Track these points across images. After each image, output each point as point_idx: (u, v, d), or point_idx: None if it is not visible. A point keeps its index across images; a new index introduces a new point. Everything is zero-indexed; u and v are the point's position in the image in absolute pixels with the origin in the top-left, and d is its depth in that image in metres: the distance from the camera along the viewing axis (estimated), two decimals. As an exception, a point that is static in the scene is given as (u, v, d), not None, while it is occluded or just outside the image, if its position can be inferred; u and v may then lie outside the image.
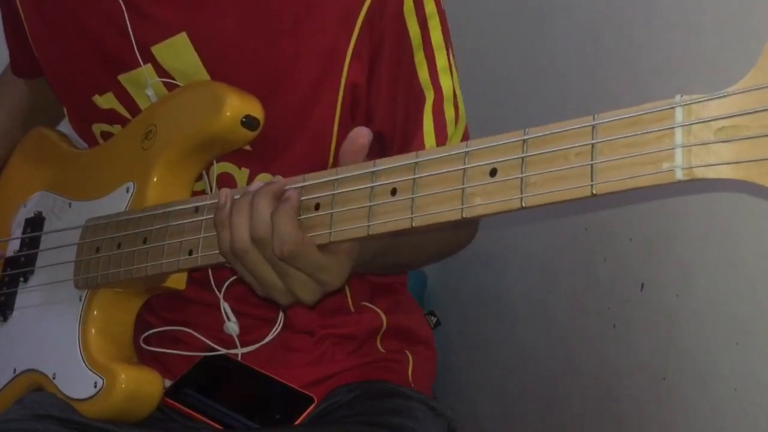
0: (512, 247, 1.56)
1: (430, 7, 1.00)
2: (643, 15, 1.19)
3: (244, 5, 0.98)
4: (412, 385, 1.16)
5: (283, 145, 1.01)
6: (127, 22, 1.00)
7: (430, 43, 1.00)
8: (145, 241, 0.97)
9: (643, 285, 1.19)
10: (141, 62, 1.01)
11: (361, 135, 0.82)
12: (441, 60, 1.01)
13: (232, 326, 1.07)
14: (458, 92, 1.04)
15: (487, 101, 1.58)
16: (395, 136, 1.01)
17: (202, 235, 0.91)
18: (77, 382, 1.02)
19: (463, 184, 0.72)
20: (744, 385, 1.02)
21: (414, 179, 0.75)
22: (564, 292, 1.39)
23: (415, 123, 1.01)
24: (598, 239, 1.30)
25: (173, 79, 1.02)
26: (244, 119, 0.96)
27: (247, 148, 1.01)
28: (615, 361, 1.26)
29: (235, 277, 1.07)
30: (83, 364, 1.01)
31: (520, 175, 0.69)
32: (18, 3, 1.12)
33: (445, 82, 1.01)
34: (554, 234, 1.41)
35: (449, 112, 1.02)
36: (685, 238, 1.12)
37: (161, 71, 1.02)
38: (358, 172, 0.79)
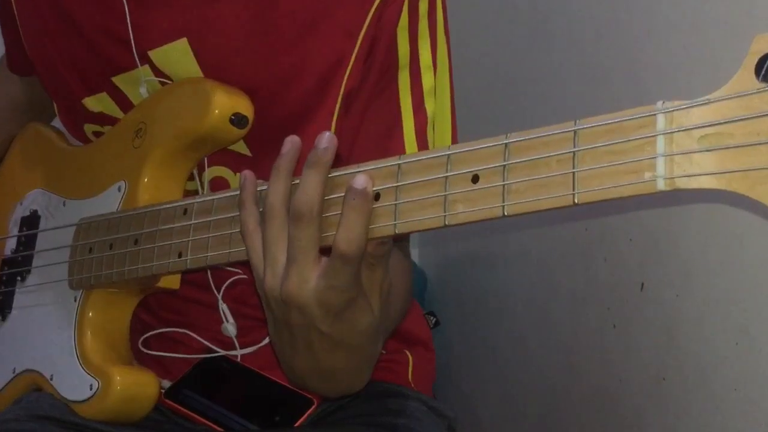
0: (512, 247, 1.56)
1: (423, 26, 0.99)
2: (643, 15, 1.19)
3: (249, 16, 0.97)
4: (412, 385, 1.16)
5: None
6: (129, 25, 1.00)
7: (418, 63, 0.99)
8: (136, 243, 0.96)
9: (643, 285, 1.19)
10: (138, 64, 1.01)
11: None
12: (427, 81, 1.00)
13: (230, 328, 1.07)
14: (441, 114, 1.02)
15: (485, 102, 1.58)
16: (351, 154, 0.98)
17: (191, 238, 0.90)
18: (74, 384, 1.02)
19: (446, 191, 0.71)
20: (744, 385, 1.02)
21: (397, 186, 0.74)
22: (564, 292, 1.39)
23: (381, 148, 0.98)
24: (598, 239, 1.29)
25: (170, 79, 1.02)
26: (232, 117, 0.96)
27: (246, 153, 1.01)
28: (615, 361, 1.26)
29: (234, 278, 1.07)
30: (79, 366, 1.01)
31: (502, 183, 0.68)
32: (13, 1, 1.12)
33: (430, 105, 1.00)
34: (554, 234, 1.41)
35: (431, 135, 1.01)
36: (685, 238, 1.11)
37: (158, 72, 1.02)
38: (345, 172, 0.78)
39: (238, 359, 1.09)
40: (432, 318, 1.64)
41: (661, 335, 1.16)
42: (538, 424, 1.49)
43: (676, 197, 1.09)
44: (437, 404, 1.16)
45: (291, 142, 0.79)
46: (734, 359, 1.03)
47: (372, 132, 0.98)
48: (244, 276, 1.07)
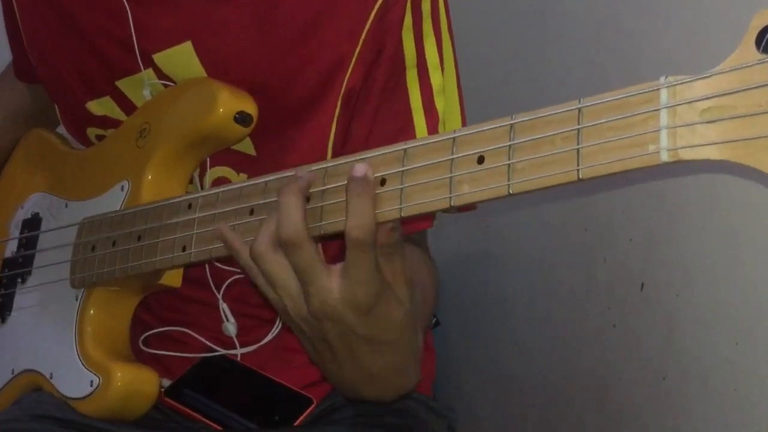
0: (512, 247, 1.55)
1: (427, 25, 0.99)
2: (643, 12, 1.19)
3: (252, 17, 0.98)
4: (412, 385, 1.16)
5: (282, 151, 1.00)
6: (132, 29, 1.00)
7: (425, 62, 1.00)
8: (139, 239, 0.97)
9: (643, 285, 1.19)
10: (142, 67, 1.02)
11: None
12: (436, 80, 1.00)
13: (230, 327, 1.07)
14: (450, 113, 1.03)
15: (485, 100, 1.57)
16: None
17: (195, 231, 0.91)
18: (74, 381, 1.02)
19: (451, 173, 0.72)
20: (744, 385, 1.02)
21: (402, 170, 0.74)
22: (564, 292, 1.39)
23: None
24: (598, 239, 1.29)
25: (173, 82, 1.02)
26: (237, 115, 0.96)
27: (250, 152, 1.01)
28: (615, 361, 1.26)
29: (234, 278, 1.07)
30: (80, 363, 1.02)
31: (507, 162, 0.69)
32: (15, 7, 1.12)
33: (440, 103, 1.01)
34: (554, 234, 1.41)
35: None
36: (685, 238, 1.11)
37: (162, 75, 1.02)
38: (347, 161, 0.79)
39: (238, 358, 1.09)
40: (432, 318, 1.64)
41: (661, 335, 1.16)
42: (538, 424, 1.49)
43: (680, 174, 1.08)
44: (437, 404, 1.16)
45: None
46: (734, 359, 1.03)
47: (383, 133, 0.99)
48: (245, 275, 1.07)
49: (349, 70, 0.97)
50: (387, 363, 0.83)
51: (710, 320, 1.07)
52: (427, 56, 1.00)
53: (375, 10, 0.96)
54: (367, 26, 0.96)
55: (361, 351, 0.80)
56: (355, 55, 0.96)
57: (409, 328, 0.82)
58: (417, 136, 0.99)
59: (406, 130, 0.99)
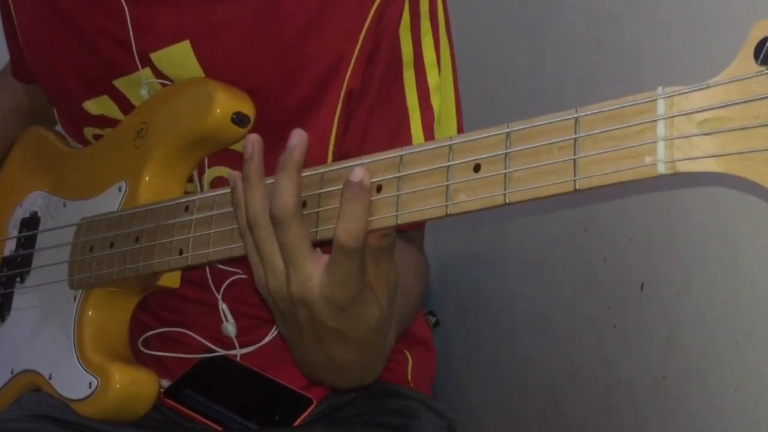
0: (512, 247, 1.55)
1: (425, 25, 0.99)
2: (643, 17, 1.19)
3: (251, 17, 0.98)
4: (412, 385, 1.16)
5: (281, 152, 1.00)
6: (130, 28, 1.00)
7: (422, 61, 1.00)
8: (137, 241, 0.96)
9: (643, 285, 1.19)
10: (139, 66, 1.02)
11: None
12: (433, 79, 1.00)
13: (230, 327, 1.07)
14: (445, 111, 1.02)
15: (485, 103, 1.58)
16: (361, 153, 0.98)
17: (192, 235, 0.90)
18: (73, 382, 1.02)
19: (447, 180, 0.71)
20: (744, 385, 1.02)
21: (399, 177, 0.74)
22: (564, 292, 1.39)
23: (389, 146, 0.99)
24: (598, 239, 1.29)
25: (171, 81, 1.02)
26: (234, 116, 0.96)
27: None
28: (615, 361, 1.26)
29: (234, 278, 1.07)
30: (78, 364, 1.01)
31: (504, 171, 0.68)
32: (11, 6, 1.12)
33: (436, 101, 1.01)
34: (554, 234, 1.41)
35: (438, 132, 1.01)
36: (685, 238, 1.11)
37: (159, 75, 1.02)
38: (343, 165, 0.78)
39: (238, 359, 1.09)
40: (432, 318, 1.64)
41: (661, 335, 1.16)
42: (538, 424, 1.49)
43: (677, 186, 1.08)
44: (437, 404, 1.16)
45: (252, 144, 0.79)
46: (734, 359, 1.03)
47: (380, 130, 0.99)
48: (244, 276, 1.07)
49: (350, 70, 0.97)
50: (351, 356, 0.83)
51: (710, 320, 1.07)
52: (424, 55, 1.00)
53: (374, 8, 0.96)
54: (366, 25, 0.96)
55: (328, 340, 0.80)
56: (355, 54, 0.96)
57: (382, 330, 0.82)
58: (412, 135, 0.99)
59: (401, 128, 0.99)
